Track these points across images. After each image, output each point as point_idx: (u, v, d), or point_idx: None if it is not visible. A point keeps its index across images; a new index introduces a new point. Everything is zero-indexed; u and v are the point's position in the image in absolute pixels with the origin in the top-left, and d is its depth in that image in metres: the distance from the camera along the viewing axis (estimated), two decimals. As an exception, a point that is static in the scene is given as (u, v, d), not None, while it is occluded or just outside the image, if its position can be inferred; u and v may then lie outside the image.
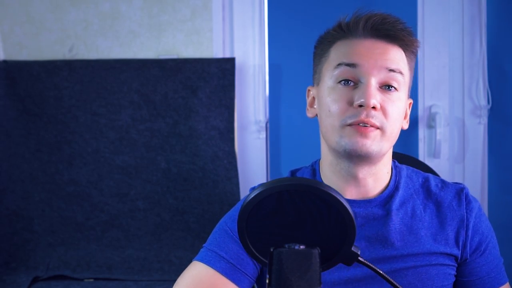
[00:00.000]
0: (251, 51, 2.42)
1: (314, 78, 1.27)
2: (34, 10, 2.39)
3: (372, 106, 1.13)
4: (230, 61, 2.34)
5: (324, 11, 2.43)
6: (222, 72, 2.33)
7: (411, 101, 1.26)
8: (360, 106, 1.14)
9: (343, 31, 1.20)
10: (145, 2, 2.38)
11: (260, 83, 2.43)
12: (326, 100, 1.19)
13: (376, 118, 1.14)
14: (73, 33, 2.40)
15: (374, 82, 1.15)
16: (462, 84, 2.43)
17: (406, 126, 1.24)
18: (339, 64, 1.17)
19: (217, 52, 2.39)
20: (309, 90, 1.28)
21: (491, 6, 2.42)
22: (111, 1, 2.38)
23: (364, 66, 1.16)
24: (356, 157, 1.17)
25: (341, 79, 1.17)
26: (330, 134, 1.18)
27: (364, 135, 1.14)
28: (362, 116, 1.14)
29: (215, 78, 2.33)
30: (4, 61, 2.36)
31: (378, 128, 1.15)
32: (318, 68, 1.25)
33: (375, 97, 1.14)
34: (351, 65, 1.16)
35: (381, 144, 1.16)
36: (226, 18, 2.41)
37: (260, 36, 2.43)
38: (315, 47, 1.27)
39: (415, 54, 1.23)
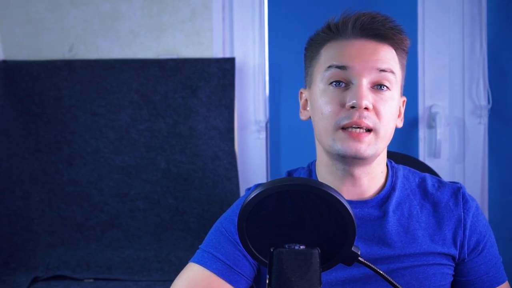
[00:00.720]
0: (251, 51, 2.42)
1: (305, 80, 1.27)
2: (34, 10, 2.39)
3: (364, 107, 1.13)
4: (230, 61, 2.34)
5: (324, 11, 2.42)
6: (222, 72, 2.33)
7: (404, 99, 1.26)
8: (353, 107, 1.14)
9: (332, 32, 1.20)
10: (145, 2, 2.38)
11: (260, 83, 2.43)
12: (318, 102, 1.18)
13: (369, 118, 1.14)
14: (73, 33, 2.40)
15: (365, 83, 1.15)
16: (462, 84, 2.43)
17: (400, 125, 1.24)
18: (330, 66, 1.17)
19: (217, 52, 2.39)
20: (301, 93, 1.28)
21: (491, 6, 2.42)
22: (111, 1, 2.38)
23: (355, 68, 1.15)
24: (350, 160, 1.17)
25: (332, 81, 1.17)
26: (324, 137, 1.18)
27: (357, 139, 1.14)
28: (355, 118, 1.13)
29: (215, 78, 2.33)
30: (4, 61, 2.36)
31: (371, 129, 1.15)
32: (309, 71, 1.24)
33: (367, 98, 1.14)
34: (342, 67, 1.16)
35: (376, 146, 1.16)
36: (226, 18, 2.41)
37: (260, 36, 2.43)
38: (305, 49, 1.27)
39: (406, 51, 1.22)
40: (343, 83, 1.16)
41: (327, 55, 1.19)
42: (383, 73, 1.16)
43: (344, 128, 1.15)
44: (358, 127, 1.14)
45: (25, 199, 2.35)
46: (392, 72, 1.17)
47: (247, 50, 2.42)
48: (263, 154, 2.45)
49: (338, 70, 1.16)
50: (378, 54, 1.17)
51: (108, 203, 2.35)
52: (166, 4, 2.38)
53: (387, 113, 1.16)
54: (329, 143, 1.17)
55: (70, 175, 2.35)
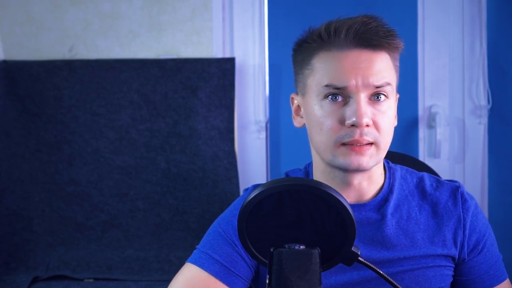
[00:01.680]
0: (251, 51, 2.42)
1: (297, 86, 1.24)
2: (34, 10, 2.39)
3: (365, 125, 1.12)
4: (230, 61, 2.34)
5: (324, 11, 2.43)
6: (222, 72, 2.33)
7: (397, 95, 1.24)
8: (353, 125, 1.12)
9: (324, 41, 1.16)
10: (145, 2, 2.38)
11: (260, 83, 2.43)
12: (315, 116, 1.16)
13: (369, 134, 1.13)
14: (73, 33, 2.40)
15: (363, 97, 1.13)
16: (462, 84, 2.43)
17: (395, 123, 1.23)
18: (327, 86, 1.14)
19: (217, 52, 2.38)
20: (292, 98, 1.27)
21: (491, 6, 2.42)
22: (111, 1, 2.38)
23: (353, 86, 1.13)
24: (351, 171, 1.16)
25: (328, 94, 1.15)
26: (323, 152, 1.17)
27: (359, 153, 1.13)
28: (356, 136, 1.12)
29: (215, 78, 2.33)
30: (4, 61, 2.36)
31: (372, 143, 1.14)
32: (301, 78, 1.22)
33: (367, 115, 1.12)
34: (340, 88, 1.14)
35: (378, 157, 1.16)
36: (226, 18, 2.41)
37: (260, 36, 2.43)
38: (294, 51, 1.24)
39: (399, 52, 1.20)
40: (340, 96, 1.14)
41: (322, 69, 1.16)
42: (379, 88, 1.14)
43: (344, 144, 1.14)
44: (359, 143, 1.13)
45: (25, 199, 2.35)
46: (388, 84, 1.15)
47: (247, 50, 2.42)
48: (263, 154, 2.45)
49: (336, 90, 1.14)
50: (373, 66, 1.14)
51: (108, 203, 2.35)
52: (166, 4, 2.38)
53: (386, 124, 1.15)
54: (329, 157, 1.16)
55: (70, 175, 2.35)
